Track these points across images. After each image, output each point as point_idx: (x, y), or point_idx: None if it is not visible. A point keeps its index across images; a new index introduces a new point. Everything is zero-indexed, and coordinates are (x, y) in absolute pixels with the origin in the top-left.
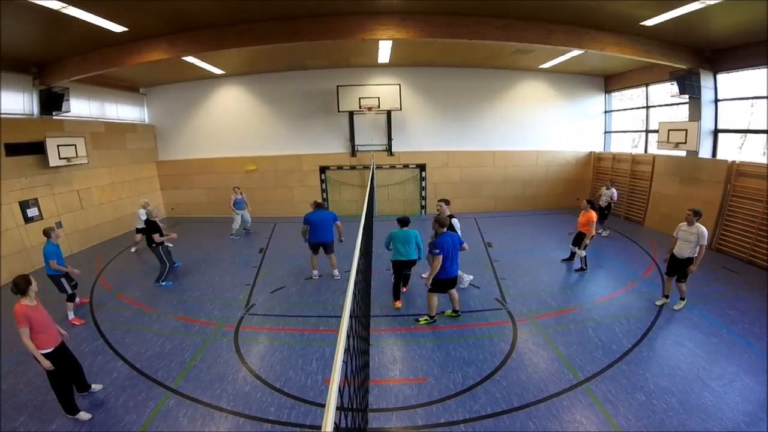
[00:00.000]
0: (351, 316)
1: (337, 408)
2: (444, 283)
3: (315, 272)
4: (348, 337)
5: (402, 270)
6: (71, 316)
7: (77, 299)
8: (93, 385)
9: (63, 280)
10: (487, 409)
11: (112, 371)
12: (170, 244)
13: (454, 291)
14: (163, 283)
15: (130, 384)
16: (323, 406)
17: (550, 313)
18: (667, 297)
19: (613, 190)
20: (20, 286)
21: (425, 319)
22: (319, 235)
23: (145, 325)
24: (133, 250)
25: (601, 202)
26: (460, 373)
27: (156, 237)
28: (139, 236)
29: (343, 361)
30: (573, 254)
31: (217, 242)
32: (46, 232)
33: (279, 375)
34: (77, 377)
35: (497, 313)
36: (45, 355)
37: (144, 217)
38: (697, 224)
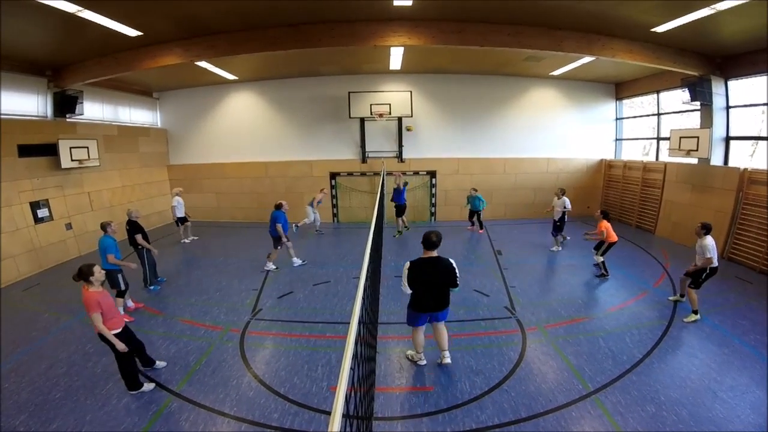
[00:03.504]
0: (359, 323)
1: (343, 415)
2: (397, 208)
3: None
4: (356, 343)
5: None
6: (121, 312)
7: (131, 304)
8: (157, 362)
9: (119, 275)
10: (494, 419)
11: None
12: (155, 250)
13: (404, 217)
14: (151, 287)
15: None
16: (327, 413)
17: (560, 322)
18: (682, 296)
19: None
20: (85, 273)
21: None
22: None
23: (151, 328)
24: (187, 240)
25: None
26: (468, 382)
27: (138, 238)
28: (181, 228)
29: (351, 368)
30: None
31: (226, 246)
32: (103, 226)
33: (284, 381)
34: (141, 354)
35: (506, 321)
36: (115, 335)
37: (181, 206)
38: (707, 237)
